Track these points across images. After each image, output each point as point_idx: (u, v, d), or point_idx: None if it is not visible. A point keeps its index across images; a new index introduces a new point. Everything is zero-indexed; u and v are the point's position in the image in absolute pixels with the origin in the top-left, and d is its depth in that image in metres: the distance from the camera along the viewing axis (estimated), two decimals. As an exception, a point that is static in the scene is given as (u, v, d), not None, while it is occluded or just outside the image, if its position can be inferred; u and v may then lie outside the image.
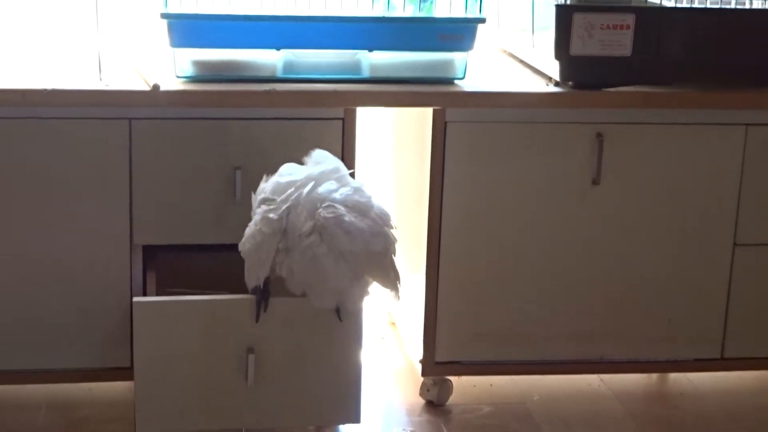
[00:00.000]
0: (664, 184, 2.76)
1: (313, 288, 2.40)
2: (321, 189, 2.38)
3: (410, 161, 2.92)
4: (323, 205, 2.36)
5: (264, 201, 2.40)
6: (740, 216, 2.80)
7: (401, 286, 2.46)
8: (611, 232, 2.77)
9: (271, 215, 2.38)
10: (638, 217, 2.77)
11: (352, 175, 2.51)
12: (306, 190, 2.37)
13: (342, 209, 2.36)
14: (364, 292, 2.42)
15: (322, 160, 2.47)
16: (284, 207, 2.37)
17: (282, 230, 2.37)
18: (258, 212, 2.42)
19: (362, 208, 2.38)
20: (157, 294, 2.57)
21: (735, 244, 2.81)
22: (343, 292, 2.40)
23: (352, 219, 2.36)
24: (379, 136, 3.29)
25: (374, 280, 2.43)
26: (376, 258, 2.39)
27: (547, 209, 2.74)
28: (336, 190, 2.39)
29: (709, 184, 2.78)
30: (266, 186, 2.44)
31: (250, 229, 2.42)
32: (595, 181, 2.72)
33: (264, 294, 2.43)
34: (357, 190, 2.42)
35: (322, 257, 2.35)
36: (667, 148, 2.74)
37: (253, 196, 2.46)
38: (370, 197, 2.42)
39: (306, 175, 2.41)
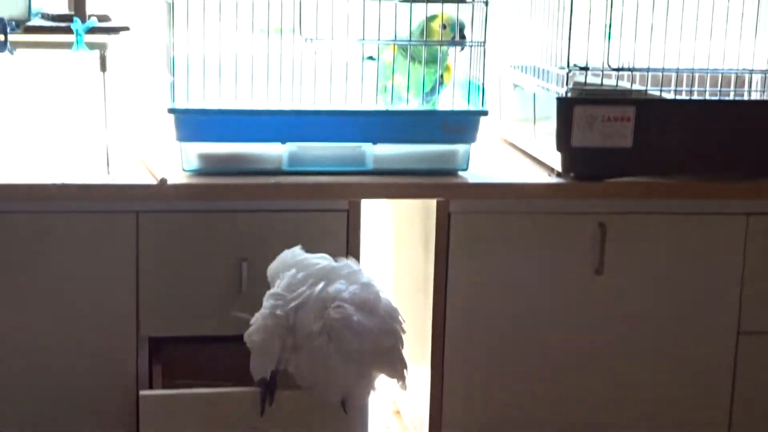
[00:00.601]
0: (666, 273, 2.78)
1: (320, 384, 2.40)
2: (330, 288, 2.39)
3: (414, 250, 2.94)
4: (332, 305, 2.36)
5: (273, 296, 2.41)
6: (743, 304, 2.81)
7: (408, 375, 2.46)
8: (615, 322, 2.78)
9: (278, 312, 2.38)
10: (641, 307, 2.78)
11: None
12: (317, 289, 2.38)
13: (350, 309, 2.36)
14: (371, 386, 2.42)
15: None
16: (293, 305, 2.38)
17: (288, 327, 2.37)
18: (266, 306, 2.42)
19: (370, 306, 2.39)
20: (164, 386, 2.58)
21: (739, 332, 2.82)
22: (350, 388, 2.41)
23: (361, 318, 2.36)
24: (383, 225, 3.31)
25: (382, 373, 2.43)
26: (384, 355, 2.40)
27: (551, 299, 2.75)
28: (345, 289, 2.39)
29: (711, 272, 2.79)
30: (280, 277, 2.44)
31: (257, 322, 2.42)
32: (598, 271, 2.73)
33: (270, 387, 2.43)
34: (365, 286, 2.42)
35: (331, 357, 2.36)
36: (669, 238, 2.76)
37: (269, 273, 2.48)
38: (378, 293, 2.43)
39: (316, 273, 2.42)
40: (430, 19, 2.67)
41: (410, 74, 2.66)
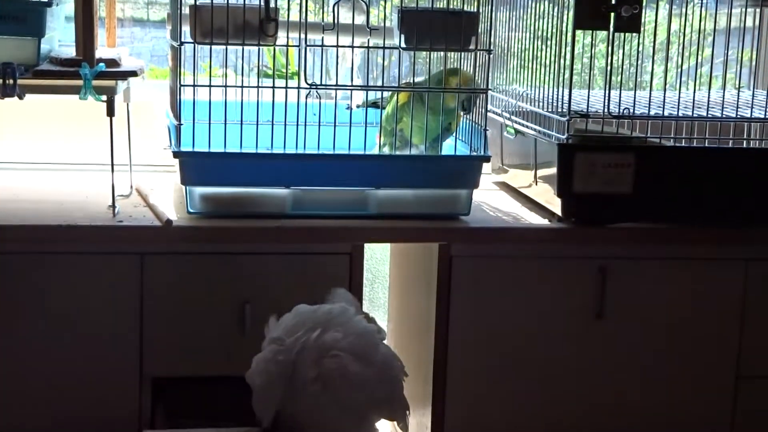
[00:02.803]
0: (666, 318, 2.80)
1: (316, 432, 2.39)
2: (327, 336, 2.36)
3: (416, 293, 2.96)
4: (328, 354, 2.33)
5: (274, 340, 2.41)
6: (742, 348, 2.83)
7: (409, 417, 2.45)
8: (614, 365, 2.80)
9: (280, 357, 2.36)
10: (641, 350, 2.80)
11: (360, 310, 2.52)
12: (314, 335, 2.36)
13: (347, 358, 2.33)
14: (370, 432, 2.42)
15: (338, 299, 2.48)
16: (293, 351, 2.35)
17: (289, 375, 2.34)
18: (268, 350, 2.40)
19: (368, 355, 2.36)
20: (166, 427, 2.59)
21: (737, 376, 2.84)
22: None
23: (357, 368, 2.33)
24: (385, 267, 3.33)
25: (381, 418, 2.43)
26: (381, 404, 2.38)
27: (551, 342, 2.77)
28: (342, 338, 2.35)
29: (711, 317, 2.81)
30: (279, 323, 2.44)
31: (258, 365, 2.41)
32: (598, 315, 2.76)
33: (272, 432, 2.42)
34: (362, 334, 2.39)
35: (325, 407, 2.32)
36: (669, 282, 2.79)
37: (266, 327, 2.47)
38: (376, 342, 2.40)
39: (314, 319, 2.40)
40: (450, 72, 2.70)
41: (419, 121, 2.69)
